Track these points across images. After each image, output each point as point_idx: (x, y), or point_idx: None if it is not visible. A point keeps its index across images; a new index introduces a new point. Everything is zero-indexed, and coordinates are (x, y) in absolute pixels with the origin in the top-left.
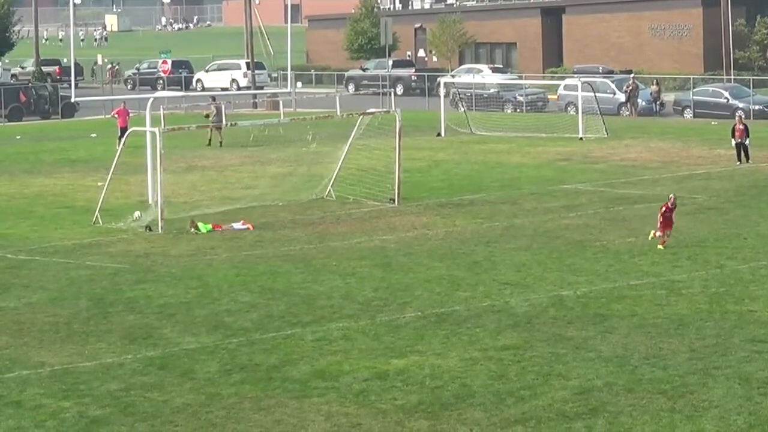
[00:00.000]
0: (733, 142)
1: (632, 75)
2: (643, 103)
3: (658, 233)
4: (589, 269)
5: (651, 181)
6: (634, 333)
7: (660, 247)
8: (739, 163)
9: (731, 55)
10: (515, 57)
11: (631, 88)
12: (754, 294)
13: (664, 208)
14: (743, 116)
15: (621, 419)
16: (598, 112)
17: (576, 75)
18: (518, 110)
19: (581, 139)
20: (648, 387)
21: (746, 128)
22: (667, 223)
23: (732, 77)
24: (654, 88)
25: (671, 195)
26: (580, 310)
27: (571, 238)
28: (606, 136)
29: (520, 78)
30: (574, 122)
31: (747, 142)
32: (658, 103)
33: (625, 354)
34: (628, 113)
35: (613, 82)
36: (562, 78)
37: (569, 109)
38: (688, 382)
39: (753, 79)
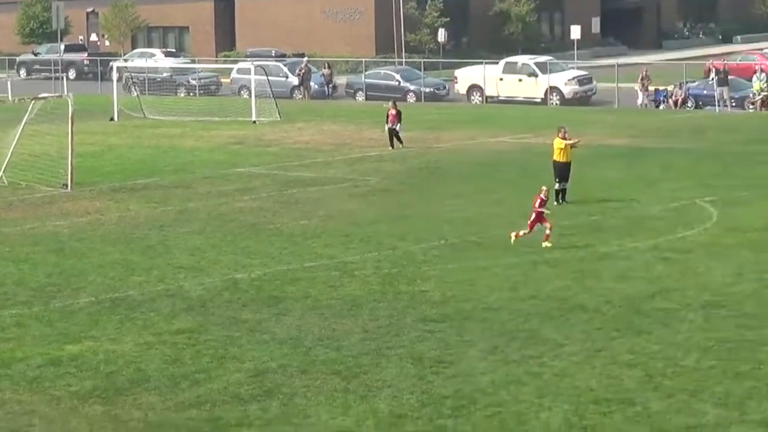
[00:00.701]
0: (386, 127)
1: (305, 58)
2: (316, 86)
3: (522, 232)
4: (263, 252)
5: (324, 164)
6: (308, 315)
7: (546, 243)
8: (391, 148)
9: (402, 38)
10: (188, 41)
11: (303, 71)
12: (425, 274)
13: (539, 201)
14: (396, 102)
15: (295, 400)
16: (271, 96)
17: (249, 58)
18: (191, 94)
19: (254, 122)
20: (322, 368)
21: (399, 114)
22: (541, 218)
23: (404, 60)
24: (326, 71)
25: (543, 187)
26: (254, 292)
27: (245, 221)
28: (279, 119)
29: (193, 62)
30: (248, 106)
31: (398, 127)
32: (330, 86)
33: (299, 336)
34: (301, 96)
35: (285, 65)
36: (235, 62)
37: (242, 92)
38: (362, 362)
39: (424, 62)
